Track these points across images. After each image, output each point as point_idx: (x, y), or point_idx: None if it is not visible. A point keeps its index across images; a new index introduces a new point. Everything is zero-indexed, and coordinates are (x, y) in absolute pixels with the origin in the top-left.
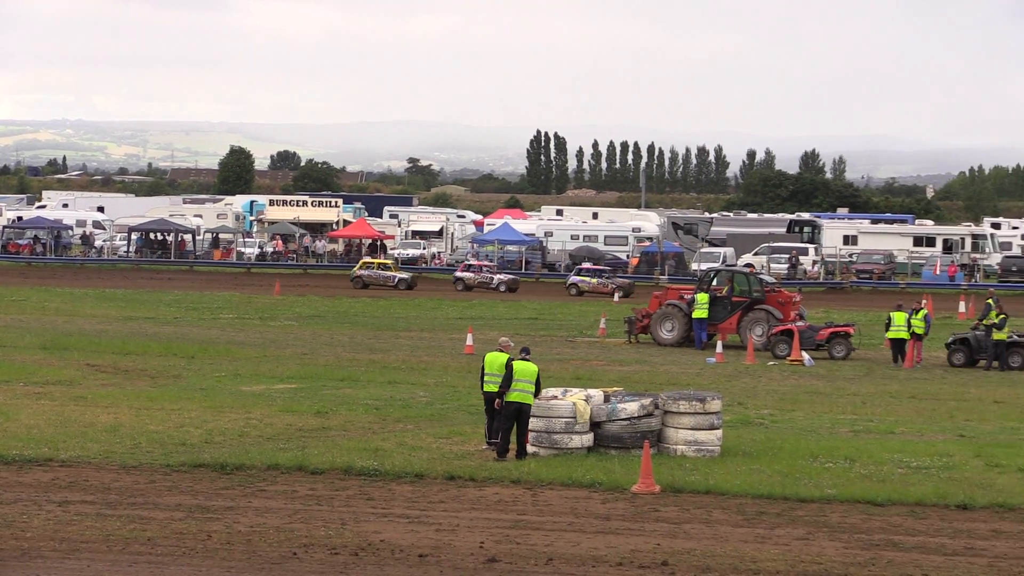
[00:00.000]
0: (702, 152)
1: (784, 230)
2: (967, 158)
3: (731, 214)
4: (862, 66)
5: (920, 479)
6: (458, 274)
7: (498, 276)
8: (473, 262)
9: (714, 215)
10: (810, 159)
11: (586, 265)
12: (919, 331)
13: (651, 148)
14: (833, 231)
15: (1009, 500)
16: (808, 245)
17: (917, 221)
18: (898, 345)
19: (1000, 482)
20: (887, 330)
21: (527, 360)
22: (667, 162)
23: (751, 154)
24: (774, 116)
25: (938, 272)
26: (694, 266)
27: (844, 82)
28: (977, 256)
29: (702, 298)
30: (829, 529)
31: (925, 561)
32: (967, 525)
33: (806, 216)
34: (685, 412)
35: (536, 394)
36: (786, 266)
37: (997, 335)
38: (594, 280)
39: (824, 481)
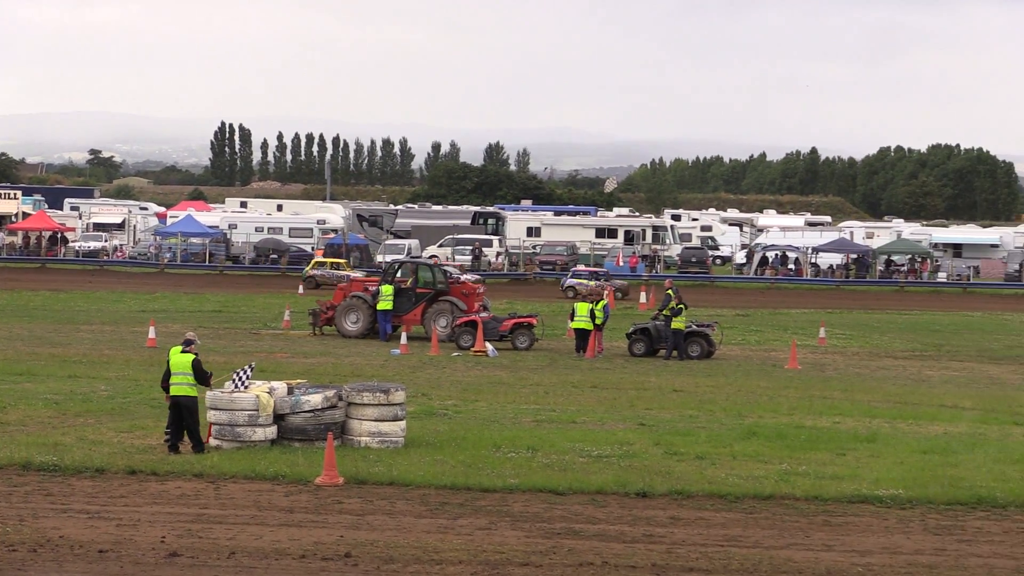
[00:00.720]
0: (387, 144)
1: (469, 222)
2: (648, 151)
3: (416, 206)
4: (545, 59)
5: (601, 468)
6: None
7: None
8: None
9: (399, 207)
10: (494, 151)
11: (581, 267)
12: (599, 321)
13: (336, 140)
14: (517, 223)
15: (687, 487)
16: (492, 237)
17: (599, 213)
18: (581, 335)
19: (678, 469)
20: (571, 320)
21: (187, 352)
22: (352, 154)
23: (436, 146)
24: (458, 109)
25: (620, 263)
26: (379, 258)
27: (528, 75)
28: (658, 247)
29: (386, 290)
30: (511, 518)
31: (605, 549)
32: (646, 512)
33: (491, 208)
34: (369, 404)
35: (205, 384)
36: (470, 258)
37: (676, 324)
38: (591, 283)
39: (507, 471)
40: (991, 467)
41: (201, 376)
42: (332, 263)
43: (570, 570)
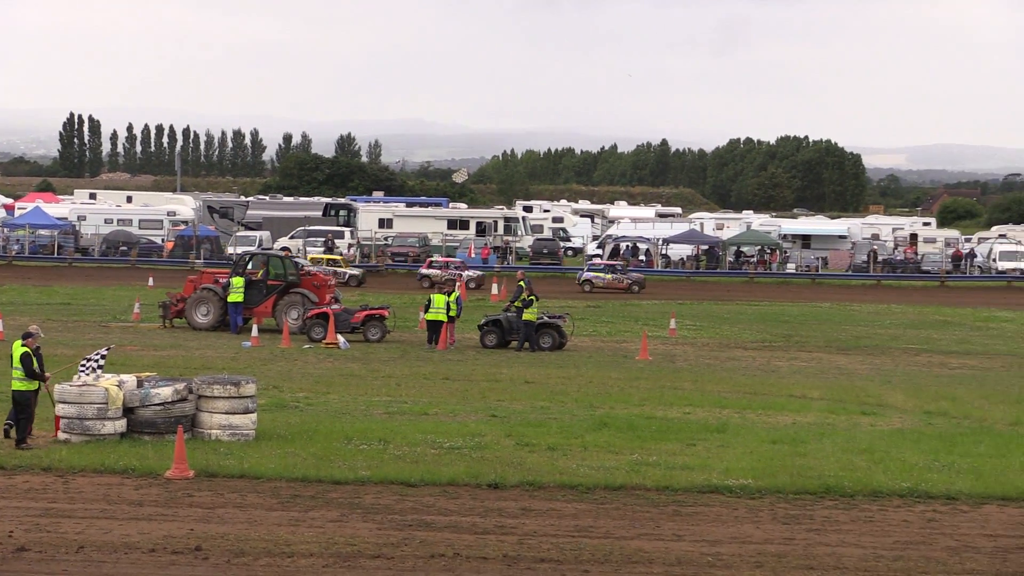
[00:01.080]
0: (238, 135)
1: (320, 213)
2: (500, 142)
3: (267, 197)
4: (398, 51)
5: (453, 459)
6: (423, 271)
7: (467, 273)
8: (439, 259)
9: (250, 199)
10: (346, 143)
11: (597, 260)
12: (452, 313)
13: (187, 131)
14: (369, 214)
15: (538, 478)
16: (344, 228)
17: (451, 204)
18: (434, 327)
19: (530, 461)
20: (426, 311)
21: (24, 345)
22: (203, 145)
23: (287, 138)
24: (310, 100)
25: (472, 254)
26: (230, 250)
27: (380, 67)
28: (509, 238)
29: (237, 282)
30: (363, 511)
31: (457, 540)
32: (498, 504)
33: (342, 199)
34: (219, 396)
35: (36, 378)
36: (322, 249)
37: (527, 316)
38: (608, 276)
39: (358, 463)
40: (839, 456)
41: (30, 370)
42: (329, 259)
43: (422, 561)
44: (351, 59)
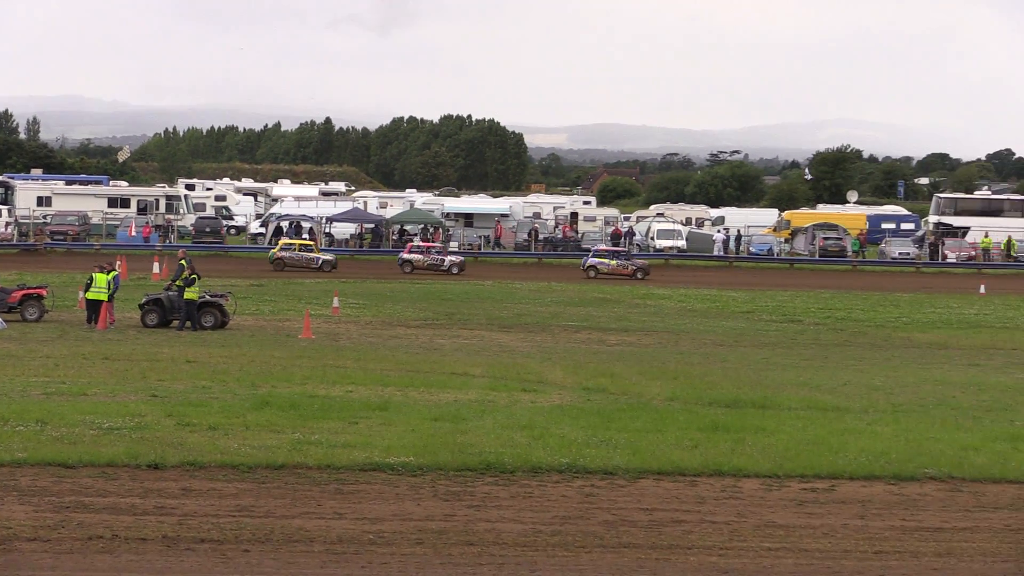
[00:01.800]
0: None
1: None
2: (162, 120)
3: None
4: (54, 23)
5: (112, 440)
6: (405, 256)
7: (450, 258)
8: (421, 243)
9: None
10: (3, 119)
11: (602, 246)
12: (110, 291)
13: None
14: (27, 192)
15: (199, 458)
16: (1, 207)
17: (112, 182)
18: (93, 306)
19: (191, 441)
20: (87, 291)
21: None
22: None
23: None
24: None
25: (133, 233)
26: None
27: (36, 40)
28: (171, 217)
29: None
30: (19, 493)
31: (115, 521)
32: (158, 484)
33: (0, 177)
34: None
35: None
36: None
37: (189, 295)
38: (613, 262)
39: (15, 444)
40: (499, 433)
41: None
42: (301, 245)
43: (79, 544)
44: (6, 32)
